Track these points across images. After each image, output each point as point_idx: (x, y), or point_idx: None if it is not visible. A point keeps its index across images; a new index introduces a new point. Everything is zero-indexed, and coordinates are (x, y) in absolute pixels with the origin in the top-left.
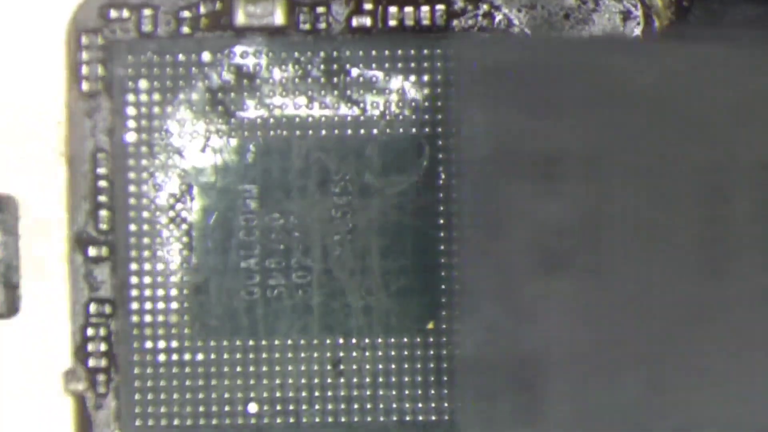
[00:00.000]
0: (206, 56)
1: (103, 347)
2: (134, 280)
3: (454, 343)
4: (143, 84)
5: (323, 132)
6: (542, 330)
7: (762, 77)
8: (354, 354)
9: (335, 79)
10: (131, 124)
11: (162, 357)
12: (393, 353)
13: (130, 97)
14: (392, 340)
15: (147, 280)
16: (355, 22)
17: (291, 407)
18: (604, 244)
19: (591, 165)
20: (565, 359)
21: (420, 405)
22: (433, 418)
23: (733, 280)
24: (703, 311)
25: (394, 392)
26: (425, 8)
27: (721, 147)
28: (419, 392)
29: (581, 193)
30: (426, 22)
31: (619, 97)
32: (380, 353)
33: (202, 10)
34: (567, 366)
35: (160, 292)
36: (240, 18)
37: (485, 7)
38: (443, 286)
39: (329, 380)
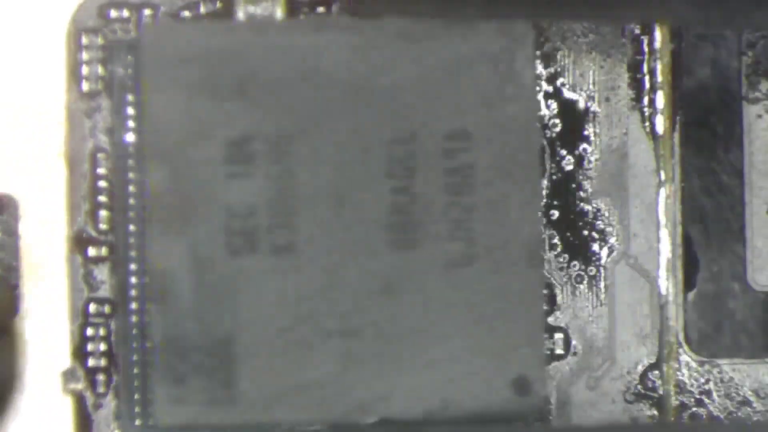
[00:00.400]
0: None
1: (102, 347)
2: (134, 280)
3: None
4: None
5: None
6: (236, 310)
7: (443, 50)
8: None
9: None
10: (131, 124)
11: None
12: None
13: (130, 97)
14: None
15: (147, 280)
16: None
17: None
18: (295, 222)
19: (281, 145)
20: (258, 338)
21: None
22: None
23: (422, 250)
24: (394, 283)
25: None
26: None
27: (408, 119)
28: None
29: (272, 174)
30: None
31: (308, 76)
32: None
33: (202, 9)
34: (260, 345)
35: None
36: (240, 18)
37: None
38: None
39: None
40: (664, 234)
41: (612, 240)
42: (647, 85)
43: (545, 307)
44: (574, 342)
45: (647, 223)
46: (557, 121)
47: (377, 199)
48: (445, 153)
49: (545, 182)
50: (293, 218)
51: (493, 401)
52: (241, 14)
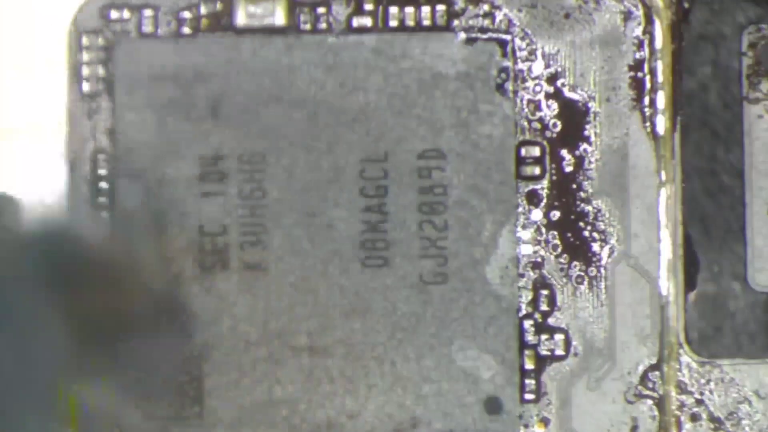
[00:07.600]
0: None
1: None
2: None
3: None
4: None
5: None
6: (205, 327)
7: (417, 68)
8: None
9: None
10: None
11: None
12: None
13: None
14: None
15: None
16: (355, 22)
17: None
18: (266, 239)
19: (253, 164)
20: (228, 355)
21: None
22: None
23: (393, 268)
24: (364, 301)
25: None
26: (426, 8)
27: (382, 138)
28: None
29: (244, 192)
30: (427, 22)
31: (280, 95)
32: None
33: (203, 10)
34: (229, 362)
35: None
36: (240, 18)
37: (486, 7)
38: None
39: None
40: (665, 234)
41: (612, 240)
42: (648, 85)
43: (544, 310)
44: (574, 343)
45: (648, 224)
46: (557, 121)
47: (349, 217)
48: (419, 172)
49: (546, 182)
50: (264, 236)
51: (464, 420)
52: (241, 14)
